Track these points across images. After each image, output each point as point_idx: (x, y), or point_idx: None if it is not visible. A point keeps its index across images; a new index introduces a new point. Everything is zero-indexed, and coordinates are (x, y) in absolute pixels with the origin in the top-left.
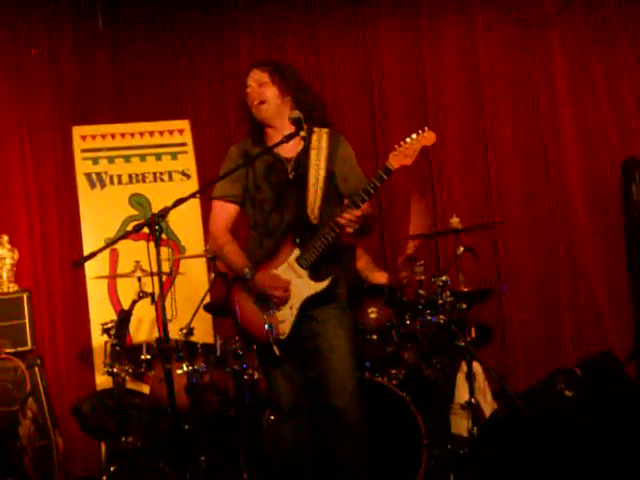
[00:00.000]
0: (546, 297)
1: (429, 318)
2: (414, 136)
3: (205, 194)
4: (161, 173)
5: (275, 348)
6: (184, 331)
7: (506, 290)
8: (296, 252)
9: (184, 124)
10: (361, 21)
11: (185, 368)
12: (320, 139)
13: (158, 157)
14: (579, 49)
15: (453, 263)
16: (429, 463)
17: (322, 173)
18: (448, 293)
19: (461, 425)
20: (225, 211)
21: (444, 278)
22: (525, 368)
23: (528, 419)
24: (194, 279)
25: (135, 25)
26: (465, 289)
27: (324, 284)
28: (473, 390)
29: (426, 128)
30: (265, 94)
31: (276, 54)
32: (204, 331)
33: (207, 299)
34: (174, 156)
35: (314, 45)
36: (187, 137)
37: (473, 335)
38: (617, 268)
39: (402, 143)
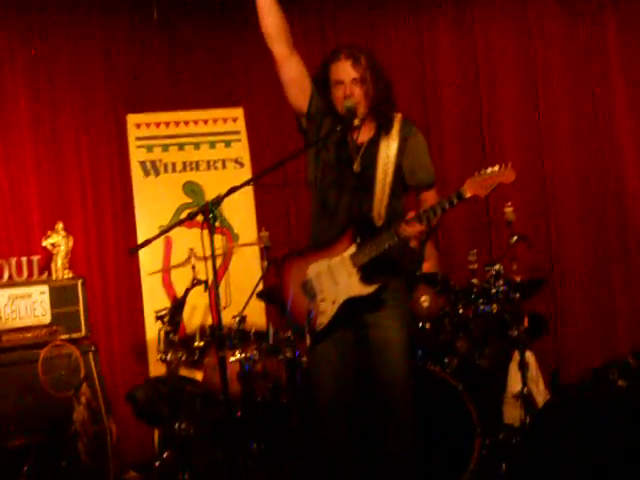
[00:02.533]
0: (600, 286)
1: (482, 307)
2: (495, 169)
3: (258, 183)
4: (215, 161)
5: (308, 337)
6: (237, 319)
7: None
8: (352, 249)
9: (238, 112)
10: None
11: (238, 355)
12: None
13: (212, 145)
14: (635, 38)
15: (506, 252)
16: (481, 452)
17: (391, 167)
18: (501, 282)
19: (513, 415)
20: None
21: (497, 267)
22: (578, 358)
23: (581, 409)
24: (247, 267)
25: (189, 13)
26: (518, 278)
27: (370, 290)
28: (526, 380)
29: (509, 165)
30: (356, 91)
31: (331, 41)
32: (257, 319)
33: (260, 287)
34: (228, 144)
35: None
36: (241, 125)
37: (526, 325)
38: None
39: (482, 172)
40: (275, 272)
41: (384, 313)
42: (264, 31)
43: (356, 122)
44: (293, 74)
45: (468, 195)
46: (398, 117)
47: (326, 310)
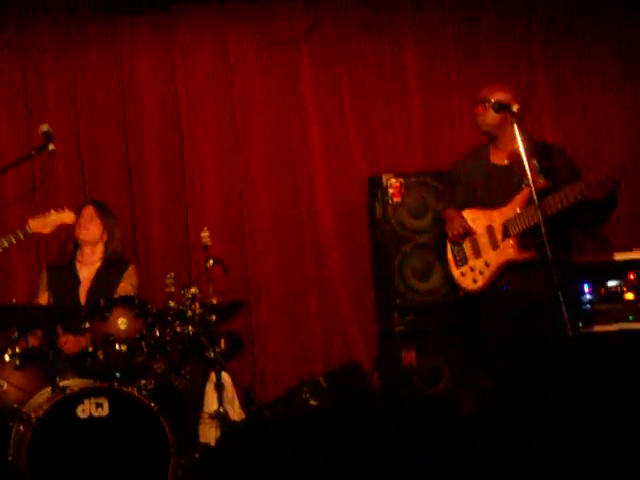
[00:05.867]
0: (296, 309)
1: (179, 329)
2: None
3: None
4: None
5: None
6: None
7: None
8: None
9: None
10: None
11: None
12: None
13: None
14: (327, 68)
15: (203, 275)
16: (176, 472)
17: None
18: (198, 305)
19: (209, 434)
20: None
21: (193, 290)
22: (274, 378)
23: (269, 426)
24: None
25: None
26: (215, 301)
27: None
28: (222, 399)
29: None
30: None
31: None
32: None
33: None
34: None
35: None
36: None
37: (223, 346)
38: (363, 283)
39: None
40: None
41: None
42: None
43: None
44: None
45: (31, 233)
46: None
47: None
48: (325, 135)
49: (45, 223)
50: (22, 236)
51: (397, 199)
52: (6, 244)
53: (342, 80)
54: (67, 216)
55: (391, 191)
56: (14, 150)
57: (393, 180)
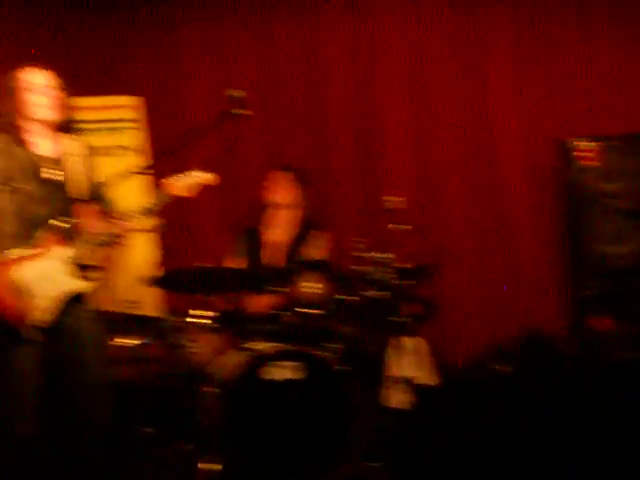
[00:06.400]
0: (485, 275)
1: (368, 294)
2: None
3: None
4: (111, 148)
5: (32, 333)
6: (130, 304)
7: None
8: (64, 250)
9: (135, 100)
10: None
11: (129, 340)
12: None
13: (108, 132)
14: (522, 28)
15: (394, 239)
16: (363, 436)
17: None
18: (388, 269)
19: (397, 399)
20: None
21: (384, 254)
22: (465, 343)
23: (465, 392)
24: (144, 253)
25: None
26: (405, 265)
27: (87, 285)
28: (411, 364)
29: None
30: None
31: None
32: (151, 304)
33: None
34: (124, 131)
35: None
36: (137, 113)
37: (413, 311)
38: (552, 248)
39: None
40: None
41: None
42: None
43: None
44: None
45: (173, 195)
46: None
47: (46, 306)
48: (514, 98)
49: (185, 185)
50: (165, 198)
51: (590, 163)
52: (149, 209)
53: (534, 40)
54: (208, 177)
55: (584, 155)
56: (208, 116)
57: (586, 144)
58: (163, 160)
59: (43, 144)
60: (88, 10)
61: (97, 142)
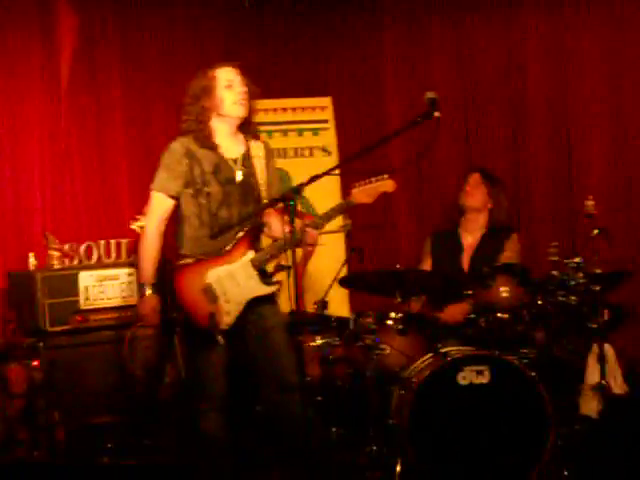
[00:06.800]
0: None
1: (561, 299)
2: (381, 178)
3: (344, 170)
4: (302, 149)
5: (218, 337)
6: (318, 305)
7: None
8: (251, 254)
9: (326, 101)
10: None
11: (318, 341)
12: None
13: (300, 133)
14: None
15: (588, 244)
16: (555, 443)
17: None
18: (581, 274)
19: (590, 406)
20: (163, 206)
21: (577, 259)
22: None
23: None
24: (330, 254)
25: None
26: (599, 270)
27: (271, 289)
28: (604, 372)
29: (386, 176)
30: None
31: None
32: (339, 305)
33: (343, 273)
34: (316, 132)
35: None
36: (329, 114)
37: (606, 317)
38: None
39: (367, 181)
40: (357, 259)
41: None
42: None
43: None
44: None
45: (355, 203)
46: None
47: (231, 310)
48: None
49: (368, 192)
50: (347, 206)
51: None
52: (332, 215)
53: None
54: (388, 184)
55: None
56: (403, 117)
57: None
58: (355, 161)
59: (229, 145)
60: (283, 14)
61: (288, 143)
